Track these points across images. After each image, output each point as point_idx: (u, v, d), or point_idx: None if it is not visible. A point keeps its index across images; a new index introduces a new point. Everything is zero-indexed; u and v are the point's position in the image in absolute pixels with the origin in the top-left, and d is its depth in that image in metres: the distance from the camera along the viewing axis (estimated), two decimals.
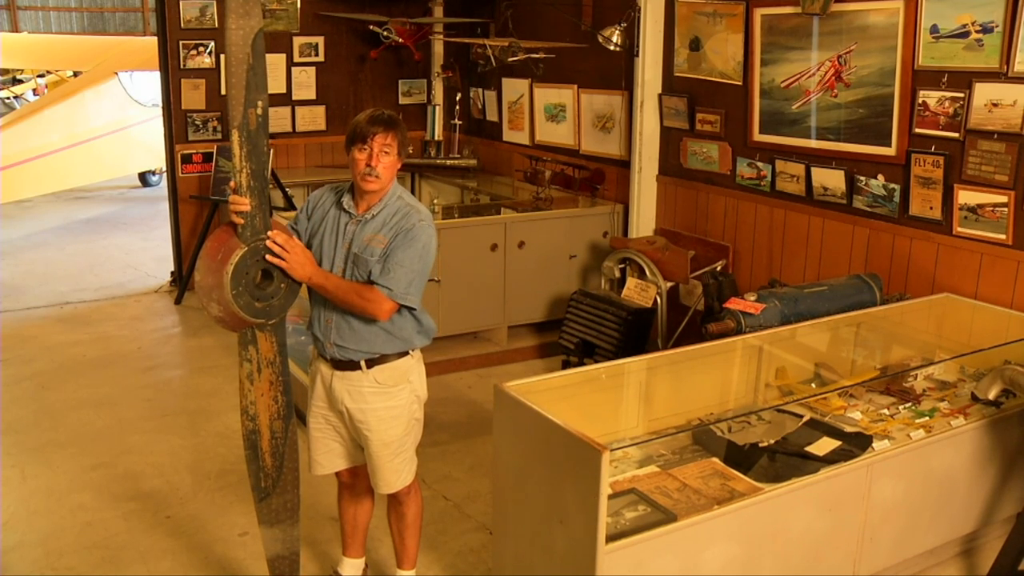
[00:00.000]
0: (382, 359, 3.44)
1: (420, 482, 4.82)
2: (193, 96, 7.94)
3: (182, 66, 7.84)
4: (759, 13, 5.59)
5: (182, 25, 7.77)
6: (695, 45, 6.11)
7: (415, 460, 3.68)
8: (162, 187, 11.41)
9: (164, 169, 9.42)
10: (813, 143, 5.44)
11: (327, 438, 3.62)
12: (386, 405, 3.48)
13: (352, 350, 3.42)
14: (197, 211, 8.10)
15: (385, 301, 3.30)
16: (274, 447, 3.41)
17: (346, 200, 3.42)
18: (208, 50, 7.91)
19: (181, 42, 7.79)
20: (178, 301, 7.91)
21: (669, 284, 6.00)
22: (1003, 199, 4.54)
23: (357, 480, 3.75)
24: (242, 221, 3.17)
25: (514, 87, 7.97)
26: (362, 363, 3.43)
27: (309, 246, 3.44)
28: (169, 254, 8.44)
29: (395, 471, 3.57)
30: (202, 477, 4.89)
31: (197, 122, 8.01)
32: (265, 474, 3.43)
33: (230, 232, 3.21)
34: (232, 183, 3.19)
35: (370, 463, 3.57)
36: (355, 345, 3.42)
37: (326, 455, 3.64)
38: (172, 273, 8.39)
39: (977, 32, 4.52)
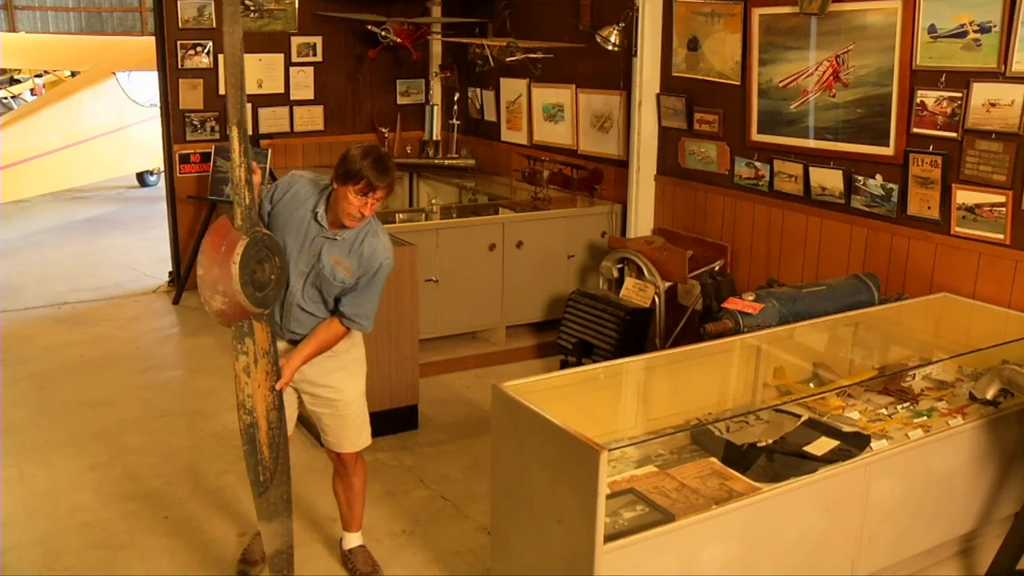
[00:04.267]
0: None
1: (418, 482, 4.85)
2: (191, 96, 7.93)
3: (180, 66, 7.84)
4: (757, 13, 5.59)
5: (180, 25, 7.76)
6: (693, 45, 6.11)
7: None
8: (160, 187, 11.39)
9: (162, 169, 9.41)
10: (811, 143, 5.44)
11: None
12: (344, 362, 3.76)
13: (301, 326, 3.65)
14: (195, 211, 8.09)
15: (350, 327, 3.66)
16: (271, 439, 3.47)
17: (320, 212, 3.53)
18: (206, 50, 7.90)
19: (179, 42, 7.78)
20: (176, 301, 7.91)
21: (667, 284, 6.00)
22: (1001, 199, 4.54)
23: (340, 459, 3.94)
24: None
25: (512, 87, 7.97)
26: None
27: (269, 227, 3.53)
28: (167, 254, 8.43)
29: (360, 428, 3.86)
30: (200, 477, 4.89)
31: (195, 122, 8.00)
32: (264, 467, 3.47)
33: (229, 225, 3.28)
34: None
35: (338, 425, 3.81)
36: (307, 331, 3.64)
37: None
38: (170, 273, 8.38)
39: (975, 32, 4.52)
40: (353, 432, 3.85)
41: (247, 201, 3.31)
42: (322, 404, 3.78)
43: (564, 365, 6.08)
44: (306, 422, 4.94)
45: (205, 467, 5.00)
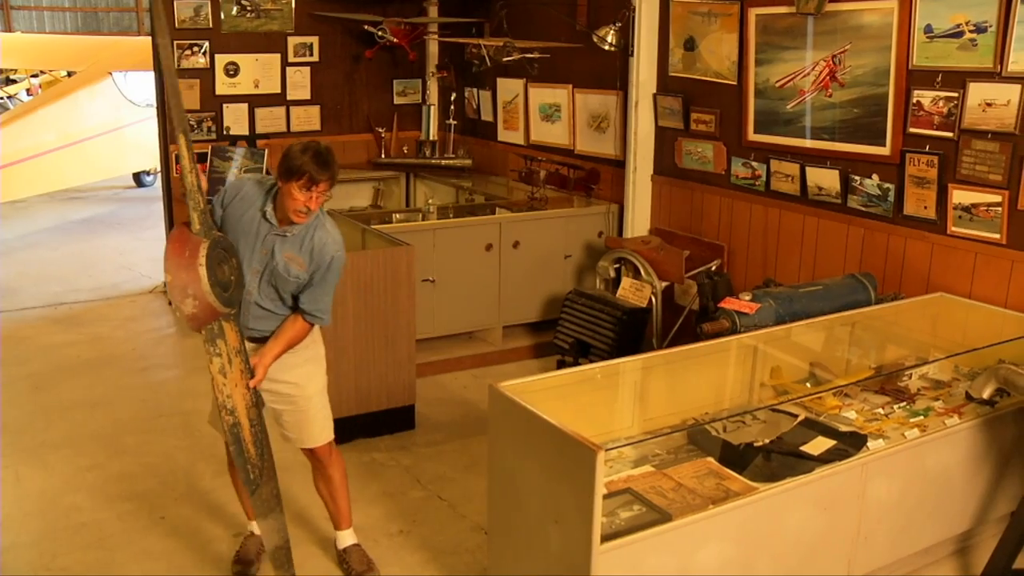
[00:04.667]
0: None
1: (415, 482, 4.85)
2: (187, 96, 7.89)
3: (177, 66, 7.82)
4: (754, 13, 5.59)
5: (176, 25, 7.75)
6: (690, 45, 6.11)
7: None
8: (156, 187, 11.40)
9: (158, 169, 9.40)
10: (808, 143, 5.44)
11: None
12: (304, 357, 3.81)
13: (266, 331, 3.71)
14: None
15: (312, 322, 3.75)
16: (255, 436, 3.51)
17: (269, 211, 3.59)
18: (203, 50, 7.89)
19: (175, 42, 7.77)
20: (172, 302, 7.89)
21: (664, 284, 6.00)
22: (997, 198, 4.55)
23: (312, 454, 3.96)
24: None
25: (509, 87, 7.97)
26: (270, 334, 3.71)
27: (222, 231, 3.57)
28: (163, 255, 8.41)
29: (322, 422, 3.89)
30: (196, 478, 4.89)
31: (191, 122, 7.98)
32: (252, 465, 3.49)
33: (187, 231, 3.34)
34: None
35: (299, 420, 3.85)
36: (267, 327, 3.71)
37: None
38: None
39: (971, 32, 4.53)
40: (315, 427, 3.88)
41: (202, 205, 3.38)
42: (282, 400, 3.81)
43: (561, 365, 6.08)
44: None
45: (201, 467, 4.99)
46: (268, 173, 7.50)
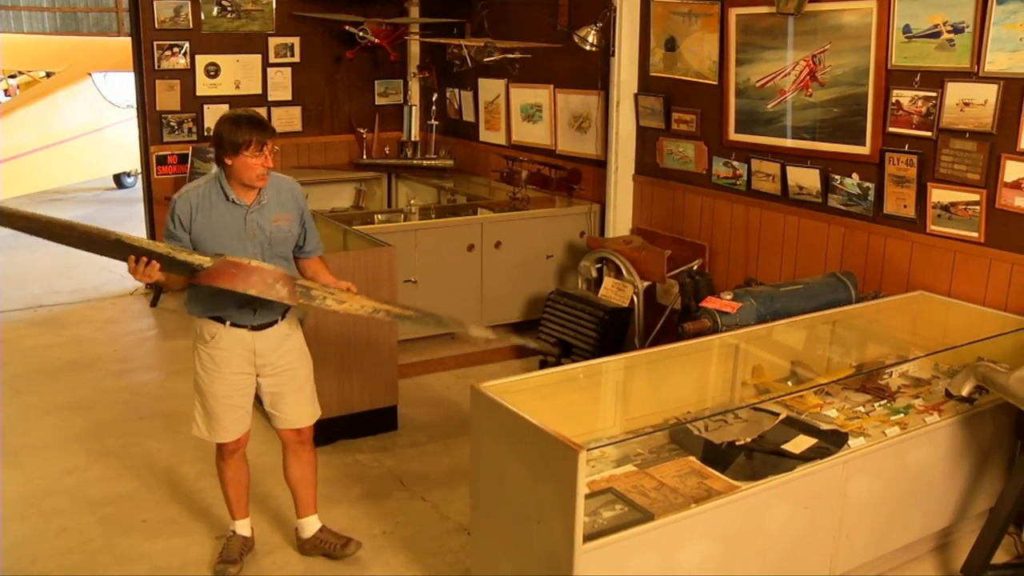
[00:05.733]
0: (288, 307, 3.85)
1: (398, 483, 4.85)
2: (168, 97, 7.90)
3: (156, 67, 7.80)
4: (734, 13, 5.61)
5: (156, 26, 7.72)
6: (671, 45, 6.13)
7: None
8: (137, 189, 11.33)
9: (139, 171, 9.35)
10: (788, 142, 5.47)
11: (239, 405, 3.91)
12: (299, 339, 3.98)
13: (274, 311, 3.81)
14: None
15: (320, 255, 4.00)
16: (397, 306, 3.84)
17: (233, 195, 3.66)
18: (183, 51, 7.87)
19: (155, 43, 7.74)
20: (154, 304, 7.86)
21: (646, 283, 6.02)
22: (975, 197, 4.58)
23: (300, 435, 4.08)
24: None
25: (490, 87, 7.97)
26: (279, 316, 3.84)
27: (194, 244, 3.64)
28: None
29: (314, 400, 4.06)
30: (179, 480, 4.87)
31: (172, 123, 7.97)
32: (421, 314, 3.92)
33: (213, 269, 3.41)
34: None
35: (298, 399, 3.97)
36: (276, 306, 3.78)
37: (236, 422, 3.94)
38: None
39: (948, 32, 4.56)
40: (310, 405, 4.05)
41: (182, 254, 3.45)
42: (284, 383, 3.92)
43: (543, 365, 6.08)
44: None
45: (184, 470, 4.97)
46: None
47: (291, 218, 3.79)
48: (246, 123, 3.57)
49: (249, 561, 4.13)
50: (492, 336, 4.13)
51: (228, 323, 3.77)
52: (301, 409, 4.00)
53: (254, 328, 3.79)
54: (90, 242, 3.48)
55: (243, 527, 4.16)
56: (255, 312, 3.76)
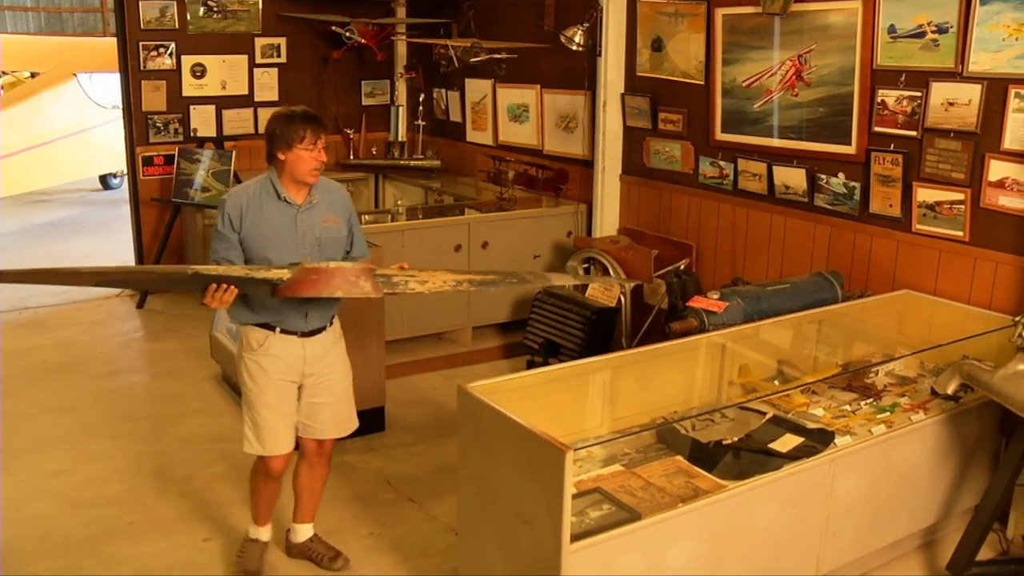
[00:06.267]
0: (335, 312, 3.87)
1: (385, 484, 4.84)
2: (154, 98, 7.87)
3: (142, 67, 7.77)
4: (720, 13, 5.62)
5: (142, 26, 7.69)
6: (657, 45, 6.13)
7: None
8: (123, 190, 11.29)
9: (125, 172, 9.32)
10: (774, 142, 5.48)
11: (289, 414, 3.81)
12: (343, 347, 3.95)
13: (327, 318, 3.79)
14: (159, 214, 8.02)
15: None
16: (481, 273, 3.83)
17: (284, 193, 3.64)
18: (169, 51, 7.84)
19: (141, 43, 7.72)
20: (140, 305, 7.83)
21: (633, 283, 6.02)
22: (960, 196, 4.60)
23: (322, 447, 3.99)
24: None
25: (477, 87, 7.97)
26: (328, 322, 3.81)
27: (243, 245, 3.61)
28: (131, 257, 8.36)
29: (353, 412, 4.01)
30: (165, 482, 4.85)
31: (158, 124, 7.94)
32: (503, 276, 3.87)
33: (296, 279, 3.35)
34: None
35: (340, 408, 3.92)
36: (329, 312, 3.79)
37: (289, 430, 3.85)
38: None
39: (933, 32, 4.57)
40: (348, 418, 3.99)
41: (260, 272, 3.39)
42: (326, 392, 3.86)
43: (531, 365, 6.08)
44: None
45: (171, 472, 4.95)
46: (235, 176, 7.46)
47: (340, 221, 3.76)
48: (300, 117, 3.56)
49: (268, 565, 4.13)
50: (573, 281, 4.08)
51: (278, 330, 3.69)
52: (338, 420, 3.94)
53: (304, 334, 3.73)
54: (169, 281, 3.47)
55: (265, 533, 4.08)
56: (307, 317, 3.70)
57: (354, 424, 4.01)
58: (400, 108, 8.81)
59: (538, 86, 7.30)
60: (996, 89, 4.38)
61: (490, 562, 3.38)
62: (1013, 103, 4.32)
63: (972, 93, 4.47)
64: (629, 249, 6.06)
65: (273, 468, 3.87)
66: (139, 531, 4.38)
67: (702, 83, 5.87)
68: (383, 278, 3.51)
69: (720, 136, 5.81)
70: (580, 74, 6.75)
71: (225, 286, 3.31)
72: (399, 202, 7.61)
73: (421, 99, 8.61)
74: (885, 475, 3.88)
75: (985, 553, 4.03)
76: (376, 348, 5.30)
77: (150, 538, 4.33)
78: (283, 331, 3.70)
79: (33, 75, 13.04)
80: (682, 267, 6.01)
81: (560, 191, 7.12)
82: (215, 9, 7.97)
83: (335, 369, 3.87)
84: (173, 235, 7.85)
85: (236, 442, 5.22)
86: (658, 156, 6.27)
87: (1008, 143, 4.37)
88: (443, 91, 8.47)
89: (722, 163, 5.83)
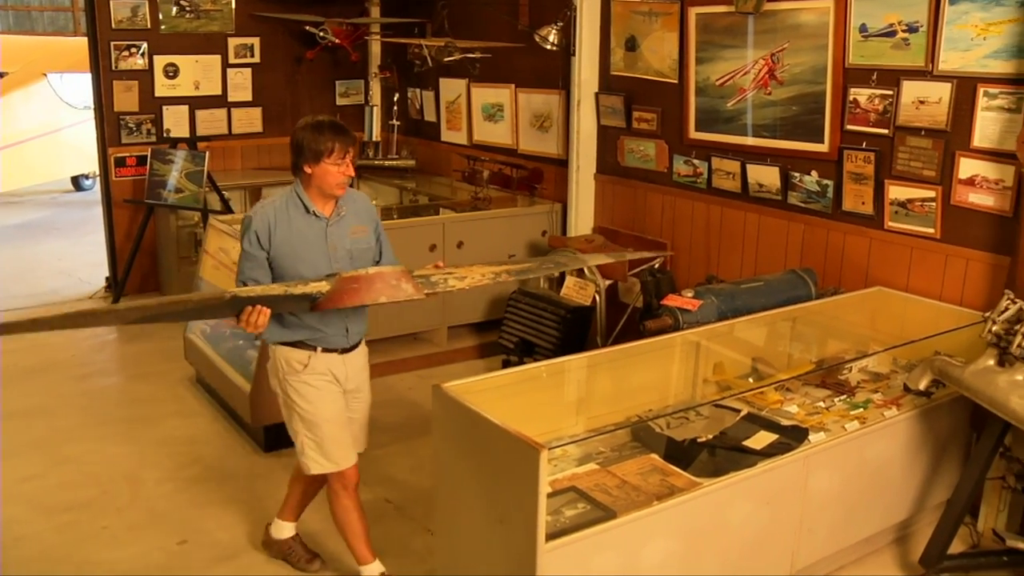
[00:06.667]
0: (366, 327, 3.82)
1: (362, 484, 4.81)
2: (126, 98, 7.81)
3: (114, 67, 7.71)
4: (694, 12, 5.64)
5: (113, 26, 7.63)
6: (631, 44, 6.15)
7: None
8: (95, 191, 11.20)
9: (97, 173, 9.24)
10: (748, 140, 5.50)
11: (347, 424, 3.77)
12: (367, 361, 3.88)
13: (362, 329, 3.77)
14: (132, 215, 7.96)
15: None
16: (518, 263, 3.94)
17: (312, 207, 3.54)
18: (141, 51, 7.78)
19: (112, 43, 7.65)
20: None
21: (607, 282, 6.03)
22: (931, 194, 4.64)
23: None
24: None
25: (451, 87, 7.96)
26: (361, 337, 3.79)
27: (272, 263, 3.51)
28: (104, 259, 8.28)
29: (367, 429, 3.97)
30: (140, 486, 4.81)
31: (130, 124, 7.88)
32: (540, 263, 3.94)
33: (334, 291, 3.31)
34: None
35: (363, 425, 3.90)
36: (363, 323, 3.76)
37: (353, 438, 3.82)
38: (107, 279, 8.23)
39: (903, 32, 4.61)
40: (364, 434, 3.96)
41: (298, 288, 3.32)
42: (359, 408, 3.86)
43: (506, 365, 6.08)
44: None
45: (145, 475, 4.92)
46: (209, 177, 7.41)
47: (368, 230, 3.70)
48: (328, 129, 3.45)
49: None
50: (610, 260, 4.06)
51: (319, 349, 3.62)
52: (360, 437, 3.90)
53: (344, 351, 3.68)
54: (205, 310, 3.41)
55: (376, 568, 3.89)
56: (348, 332, 3.65)
57: (365, 445, 3.95)
58: (374, 108, 8.80)
59: (512, 85, 7.30)
60: (965, 88, 4.42)
61: (466, 562, 3.38)
62: (982, 102, 4.36)
63: (942, 91, 4.50)
64: (604, 248, 6.07)
65: (350, 479, 3.79)
66: (113, 536, 4.35)
67: (676, 82, 5.88)
68: (421, 278, 3.49)
69: (694, 135, 5.83)
70: (554, 73, 6.76)
71: (259, 308, 3.24)
72: (374, 202, 7.55)
73: (396, 99, 8.59)
74: (859, 471, 3.91)
75: (957, 546, 4.07)
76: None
77: (124, 543, 4.29)
78: (324, 350, 3.63)
79: (1, 75, 12.92)
80: (656, 266, 6.02)
81: (535, 190, 7.12)
82: (187, 9, 7.92)
83: (364, 383, 3.85)
84: (146, 237, 7.79)
85: (212, 444, 5.23)
86: (632, 155, 6.29)
87: (977, 141, 4.41)
88: (417, 91, 8.46)
89: (696, 162, 5.85)
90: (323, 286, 3.28)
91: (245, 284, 3.49)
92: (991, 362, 3.74)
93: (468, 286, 3.62)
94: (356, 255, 3.63)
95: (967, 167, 4.47)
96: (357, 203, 3.72)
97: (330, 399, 3.68)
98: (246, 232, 3.52)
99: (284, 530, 4.12)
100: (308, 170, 3.48)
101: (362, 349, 3.80)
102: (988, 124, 4.36)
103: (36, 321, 3.14)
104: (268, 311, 3.26)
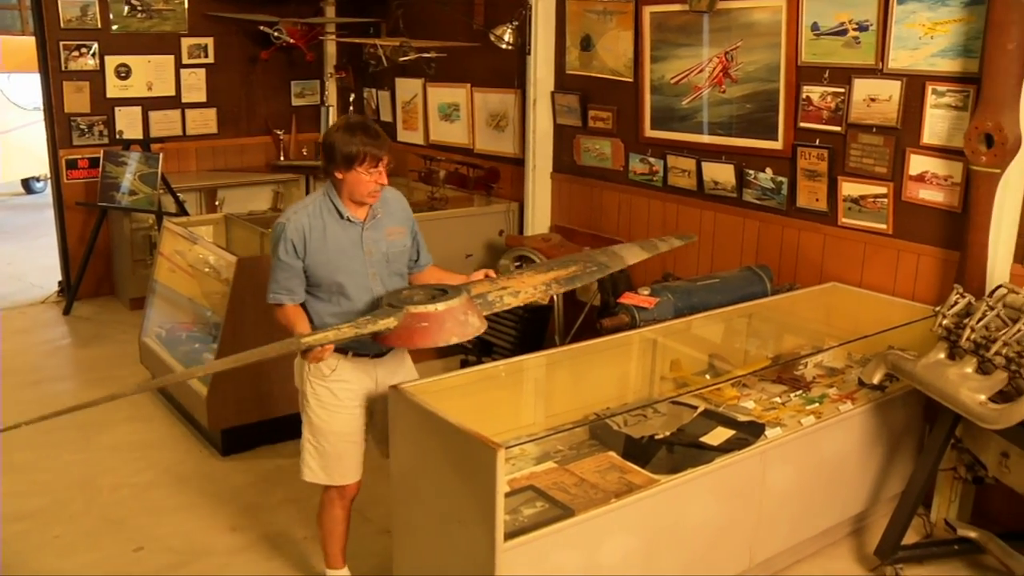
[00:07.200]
0: None
1: (320, 487, 4.77)
2: (76, 99, 7.69)
3: (63, 68, 7.59)
4: (648, 11, 5.67)
5: (62, 25, 7.52)
6: (586, 43, 6.16)
7: None
8: (47, 194, 11.03)
9: (48, 175, 9.10)
10: (703, 138, 5.54)
11: (358, 442, 3.68)
12: (410, 362, 3.85)
13: None
14: (85, 218, 7.84)
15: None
16: (566, 268, 3.83)
17: (347, 213, 3.45)
18: (91, 51, 7.68)
19: (61, 43, 7.54)
20: (67, 312, 7.65)
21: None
22: (883, 190, 4.69)
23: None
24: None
25: (407, 87, 7.93)
26: None
27: (307, 270, 3.45)
28: (56, 263, 8.15)
29: None
30: (94, 492, 4.75)
31: (82, 126, 7.77)
32: (586, 267, 3.85)
33: (403, 327, 3.21)
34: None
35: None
36: None
37: (357, 458, 3.71)
38: (60, 283, 8.10)
39: (854, 30, 4.66)
40: None
41: (367, 327, 3.21)
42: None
43: (464, 364, 6.07)
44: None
45: (99, 481, 4.85)
46: (163, 178, 7.32)
47: (403, 231, 3.61)
48: (361, 133, 3.33)
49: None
50: (646, 255, 4.11)
51: (350, 353, 3.53)
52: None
53: (376, 355, 3.59)
54: (281, 356, 3.31)
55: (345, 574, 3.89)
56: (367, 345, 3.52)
57: None
58: (331, 108, 8.75)
59: (468, 85, 7.29)
60: (914, 85, 4.48)
61: (424, 563, 3.37)
62: (930, 99, 4.42)
63: (892, 89, 4.56)
64: (561, 247, 6.08)
65: (348, 492, 3.74)
66: (66, 544, 4.28)
67: (631, 80, 5.90)
68: (480, 299, 3.40)
69: (649, 133, 5.85)
70: (510, 73, 6.76)
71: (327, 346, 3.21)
72: None
73: (352, 99, 8.56)
74: (815, 465, 3.94)
75: (910, 537, 4.13)
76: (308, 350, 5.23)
77: (78, 550, 4.23)
78: (355, 354, 3.55)
79: None
80: None
81: (491, 190, 7.12)
82: (139, 8, 7.83)
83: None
84: (100, 240, 7.69)
85: (167, 449, 5.17)
86: (588, 153, 6.30)
87: (927, 138, 4.47)
88: (373, 91, 8.43)
89: (652, 160, 5.88)
90: (391, 322, 3.19)
91: (278, 294, 3.45)
92: (942, 355, 3.80)
93: (523, 302, 3.56)
94: (392, 258, 3.56)
95: (917, 164, 4.53)
96: (391, 203, 3.60)
97: (347, 414, 3.59)
98: (280, 241, 3.41)
99: None
100: (339, 176, 3.37)
101: (397, 352, 3.68)
102: (937, 121, 4.42)
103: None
104: (331, 347, 3.24)
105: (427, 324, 3.20)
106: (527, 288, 3.57)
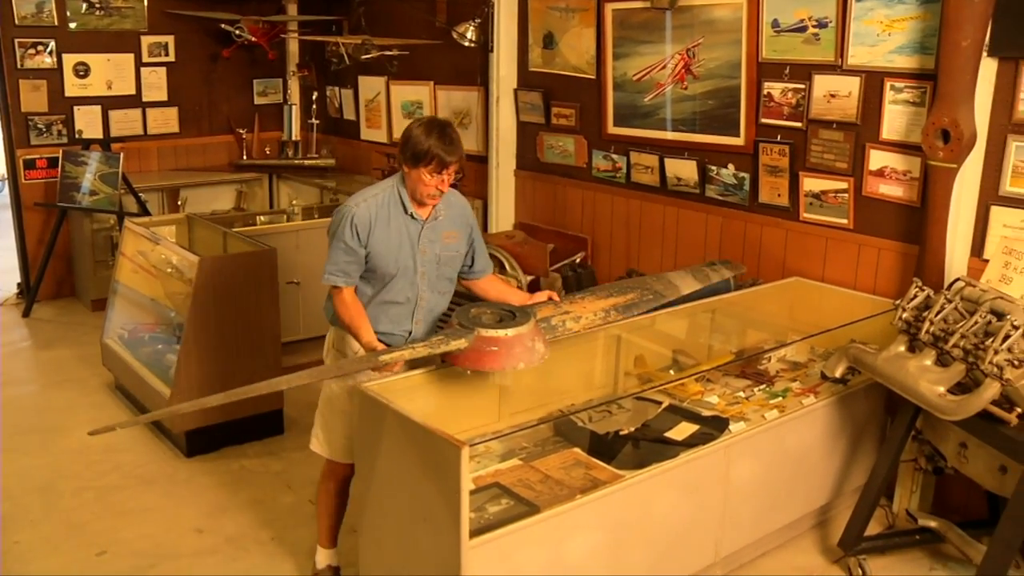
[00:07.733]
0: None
1: (285, 487, 4.76)
2: (33, 98, 7.59)
3: (19, 66, 7.48)
4: (610, 8, 5.68)
5: (16, 22, 7.41)
6: (549, 40, 6.17)
7: None
8: (4, 195, 10.86)
9: (5, 176, 8.98)
10: (666, 135, 5.56)
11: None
12: None
13: (431, 324, 3.70)
14: (44, 219, 7.74)
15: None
16: (622, 293, 3.99)
17: (411, 209, 3.50)
18: (48, 49, 7.58)
19: (16, 40, 7.43)
20: (26, 314, 7.55)
21: (529, 278, 6.04)
22: (843, 185, 4.73)
23: None
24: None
25: (370, 85, 7.90)
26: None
27: (368, 262, 3.48)
28: (14, 265, 8.04)
29: None
30: (55, 497, 4.68)
31: (39, 125, 7.66)
32: (640, 291, 3.99)
33: (473, 350, 3.26)
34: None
35: None
36: (432, 319, 3.70)
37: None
38: (19, 285, 7.99)
39: (814, 27, 4.70)
40: None
41: (440, 347, 3.27)
42: None
43: None
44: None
45: (61, 486, 4.79)
46: (123, 178, 7.24)
47: (460, 236, 3.63)
48: (437, 135, 3.35)
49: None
50: (699, 285, 4.22)
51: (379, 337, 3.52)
52: None
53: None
54: (360, 372, 3.37)
55: (334, 556, 3.95)
56: (410, 336, 3.58)
57: None
58: (293, 107, 8.69)
59: (431, 83, 7.27)
60: (873, 82, 4.52)
61: (391, 561, 3.36)
62: (889, 95, 4.46)
63: (852, 85, 4.60)
64: (525, 244, 6.08)
65: (339, 470, 3.78)
66: (26, 550, 4.22)
67: (594, 77, 5.92)
68: (544, 323, 3.44)
69: (612, 130, 5.87)
70: (473, 70, 6.75)
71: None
72: (294, 202, 7.50)
73: (314, 97, 8.51)
74: (779, 458, 3.97)
75: (873, 528, 4.18)
76: (272, 351, 5.22)
77: (39, 556, 4.17)
78: (386, 344, 3.54)
79: None
80: (578, 260, 6.05)
81: (455, 187, 7.08)
82: (97, 6, 7.73)
83: None
84: (60, 241, 7.59)
85: (131, 451, 5.12)
86: (552, 150, 6.31)
87: (886, 133, 4.52)
88: (336, 89, 8.38)
89: (615, 156, 5.89)
90: (462, 343, 3.23)
91: (336, 277, 3.46)
92: (902, 348, 3.84)
93: (582, 328, 3.62)
94: (444, 261, 3.59)
95: (877, 159, 4.57)
96: (452, 207, 3.62)
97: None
98: (345, 224, 3.45)
99: (319, 558, 3.97)
100: (406, 169, 3.43)
101: None
102: (895, 117, 4.46)
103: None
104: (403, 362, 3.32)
105: (496, 348, 3.24)
106: (588, 314, 3.64)
